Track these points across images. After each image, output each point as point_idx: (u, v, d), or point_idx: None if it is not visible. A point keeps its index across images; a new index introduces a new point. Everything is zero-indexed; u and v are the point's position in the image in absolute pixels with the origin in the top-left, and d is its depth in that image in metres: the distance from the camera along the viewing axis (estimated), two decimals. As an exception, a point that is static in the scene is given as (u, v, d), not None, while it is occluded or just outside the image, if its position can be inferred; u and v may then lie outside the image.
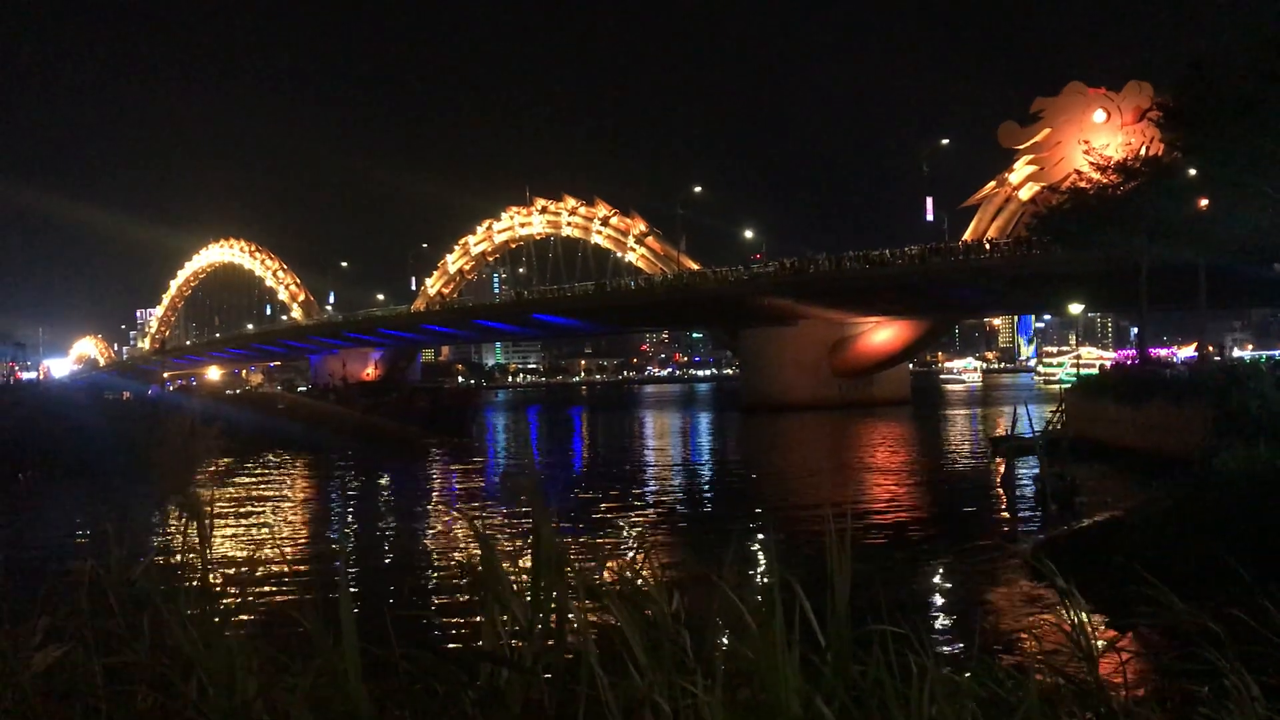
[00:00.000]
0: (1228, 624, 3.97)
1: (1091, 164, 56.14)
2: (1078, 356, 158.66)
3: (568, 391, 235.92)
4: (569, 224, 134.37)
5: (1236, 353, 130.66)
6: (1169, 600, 4.07)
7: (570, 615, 3.22)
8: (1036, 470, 30.88)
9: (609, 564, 3.89)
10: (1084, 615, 3.84)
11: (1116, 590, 6.66)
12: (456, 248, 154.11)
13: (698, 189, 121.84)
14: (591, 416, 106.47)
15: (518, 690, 3.16)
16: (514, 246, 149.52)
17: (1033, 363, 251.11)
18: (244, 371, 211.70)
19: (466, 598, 14.33)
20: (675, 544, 24.14)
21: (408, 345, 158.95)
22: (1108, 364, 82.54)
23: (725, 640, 3.26)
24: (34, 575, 4.68)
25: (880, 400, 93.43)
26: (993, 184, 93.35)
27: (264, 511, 31.43)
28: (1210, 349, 53.90)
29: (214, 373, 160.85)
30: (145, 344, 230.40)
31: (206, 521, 4.55)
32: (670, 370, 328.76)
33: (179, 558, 4.60)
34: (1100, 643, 3.79)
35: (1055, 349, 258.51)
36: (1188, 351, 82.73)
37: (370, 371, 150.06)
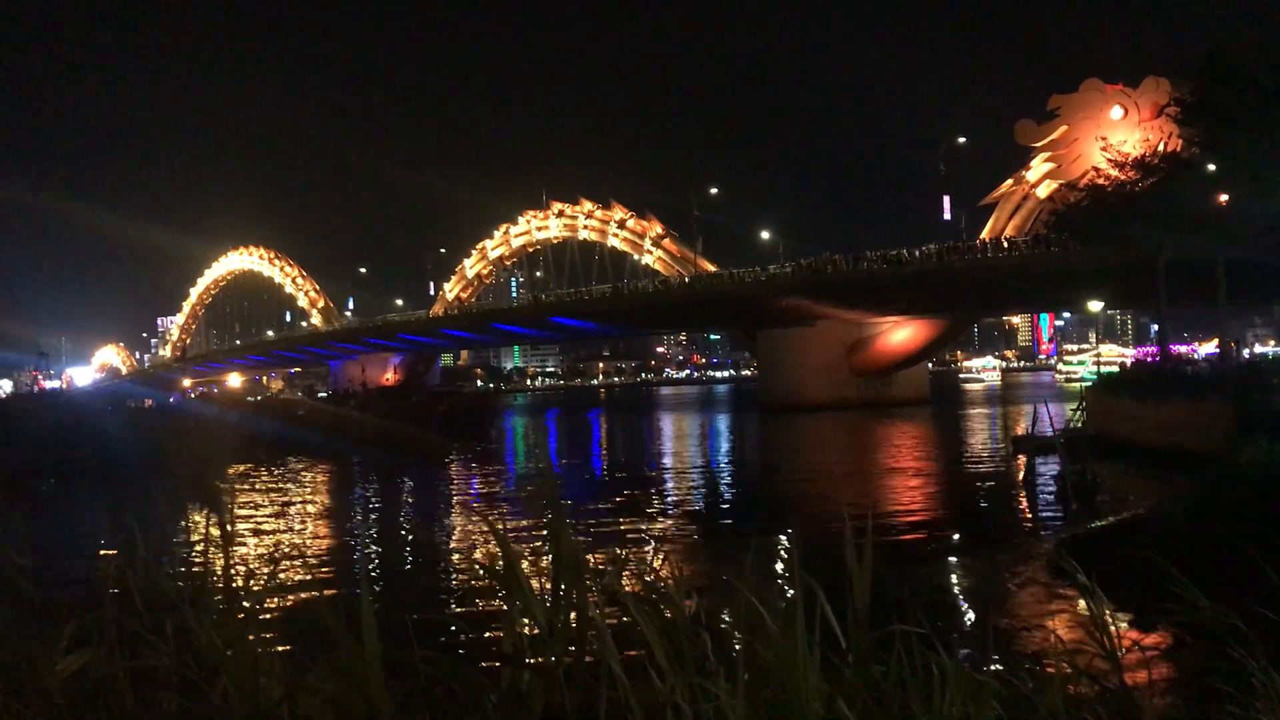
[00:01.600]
0: (1254, 622, 3.94)
1: (1109, 160, 55.72)
2: (1098, 354, 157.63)
3: (586, 394, 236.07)
4: (585, 227, 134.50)
5: (1258, 348, 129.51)
6: (1194, 597, 4.04)
7: (591, 618, 3.22)
8: (1058, 469, 30.70)
9: (629, 567, 3.88)
10: (1107, 612, 3.81)
11: (1140, 588, 6.61)
12: (474, 252, 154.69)
13: (714, 190, 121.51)
14: (610, 419, 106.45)
15: (539, 693, 3.16)
16: (531, 250, 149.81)
17: (1053, 360, 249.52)
18: (265, 378, 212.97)
19: (487, 601, 14.36)
20: (695, 546, 24.09)
21: (427, 350, 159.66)
22: (1128, 361, 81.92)
23: (746, 642, 3.25)
24: (60, 579, 4.71)
25: (899, 400, 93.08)
26: (1010, 182, 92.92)
27: (285, 515, 31.59)
28: (1232, 345, 53.36)
29: (235, 380, 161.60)
30: (167, 352, 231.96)
31: (228, 525, 4.58)
32: (688, 372, 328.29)
33: (202, 561, 4.63)
34: (1124, 640, 3.77)
35: (1075, 347, 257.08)
36: (1209, 348, 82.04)
37: (390, 376, 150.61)
